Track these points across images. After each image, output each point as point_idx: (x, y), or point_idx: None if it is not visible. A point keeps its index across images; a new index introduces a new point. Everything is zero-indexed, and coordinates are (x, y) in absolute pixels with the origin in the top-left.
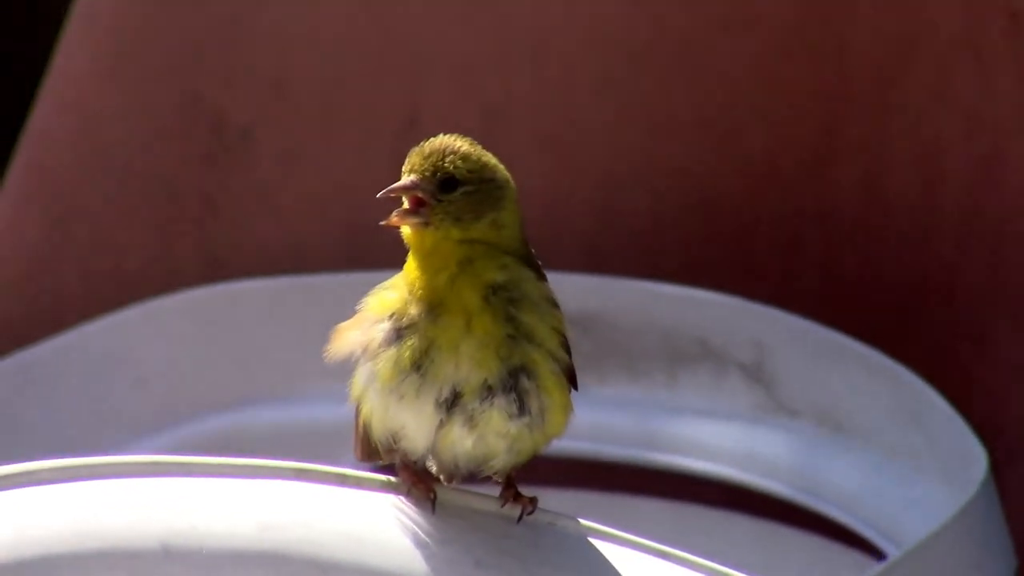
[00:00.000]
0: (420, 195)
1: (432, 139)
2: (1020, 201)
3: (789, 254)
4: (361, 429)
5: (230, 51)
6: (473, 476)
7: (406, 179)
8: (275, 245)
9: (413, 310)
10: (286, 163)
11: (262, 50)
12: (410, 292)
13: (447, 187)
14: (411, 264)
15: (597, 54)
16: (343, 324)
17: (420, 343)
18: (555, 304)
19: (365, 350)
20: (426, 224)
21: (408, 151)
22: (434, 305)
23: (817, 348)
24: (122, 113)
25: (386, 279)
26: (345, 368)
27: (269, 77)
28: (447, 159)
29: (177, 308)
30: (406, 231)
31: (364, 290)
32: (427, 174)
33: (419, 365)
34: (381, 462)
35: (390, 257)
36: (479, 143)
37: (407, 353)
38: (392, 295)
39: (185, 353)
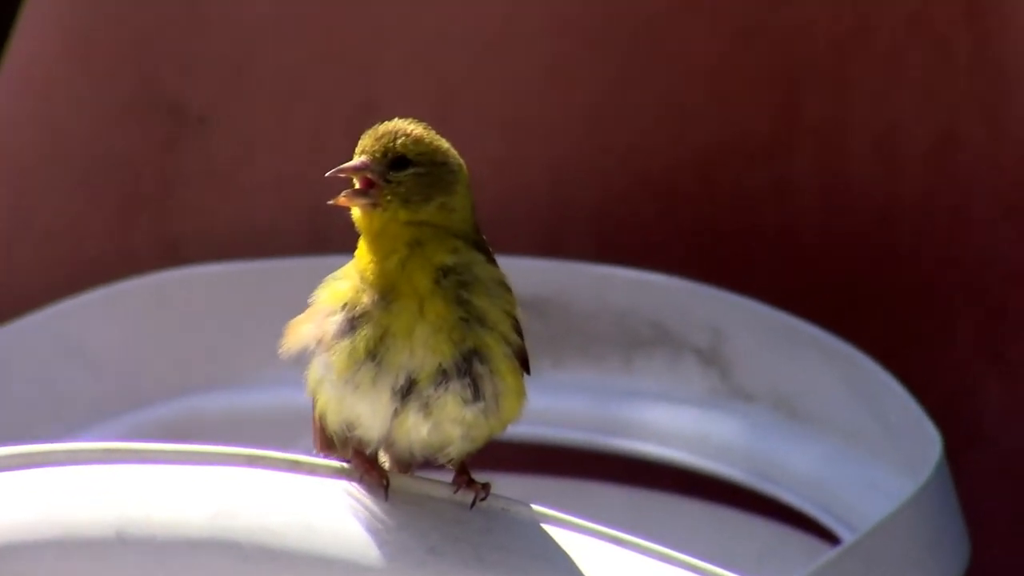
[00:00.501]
0: (369, 176)
1: (386, 122)
2: (977, 180)
3: (746, 237)
4: (317, 421)
5: (188, 36)
6: (428, 464)
7: (357, 159)
8: (234, 230)
9: (365, 298)
10: (244, 148)
11: (220, 36)
12: (361, 279)
13: (397, 167)
14: (362, 250)
15: (553, 39)
16: (296, 319)
17: (374, 331)
18: (507, 287)
19: (319, 342)
20: (374, 205)
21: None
22: (386, 291)
23: (773, 333)
24: (81, 97)
25: (344, 263)
26: (302, 353)
27: (227, 62)
28: (398, 141)
29: (133, 293)
30: (356, 212)
31: (322, 274)
32: (377, 155)
33: (374, 354)
34: (339, 456)
35: (349, 242)
36: (434, 128)
37: (361, 344)
38: (344, 285)
39: (140, 338)
